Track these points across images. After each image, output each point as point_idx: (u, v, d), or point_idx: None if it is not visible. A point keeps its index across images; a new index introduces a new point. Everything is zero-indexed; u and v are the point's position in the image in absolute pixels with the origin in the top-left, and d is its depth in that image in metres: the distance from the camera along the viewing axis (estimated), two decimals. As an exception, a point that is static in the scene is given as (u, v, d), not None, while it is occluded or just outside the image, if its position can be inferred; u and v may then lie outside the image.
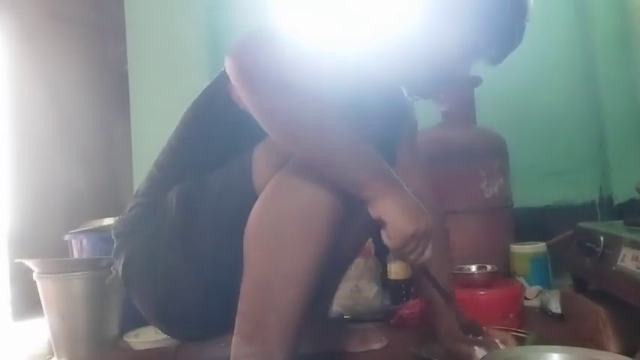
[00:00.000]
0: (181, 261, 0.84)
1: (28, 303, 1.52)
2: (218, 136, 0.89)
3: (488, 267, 1.34)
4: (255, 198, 0.79)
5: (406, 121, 1.13)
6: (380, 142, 0.77)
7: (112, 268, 1.33)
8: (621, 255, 0.91)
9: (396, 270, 1.54)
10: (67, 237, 1.62)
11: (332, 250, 0.80)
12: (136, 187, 2.00)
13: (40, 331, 1.44)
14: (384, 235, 0.76)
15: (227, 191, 0.83)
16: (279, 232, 0.76)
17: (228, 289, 0.79)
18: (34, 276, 1.35)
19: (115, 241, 0.95)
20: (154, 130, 1.95)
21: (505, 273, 1.55)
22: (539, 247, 1.58)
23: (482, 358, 0.79)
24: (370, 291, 1.47)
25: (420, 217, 0.76)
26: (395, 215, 0.74)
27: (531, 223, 1.78)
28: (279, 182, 0.77)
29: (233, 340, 0.79)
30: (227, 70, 0.71)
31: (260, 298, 0.77)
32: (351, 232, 0.87)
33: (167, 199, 0.87)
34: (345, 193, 0.76)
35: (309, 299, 0.79)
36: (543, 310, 1.34)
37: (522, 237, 1.65)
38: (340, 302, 1.47)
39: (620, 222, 1.09)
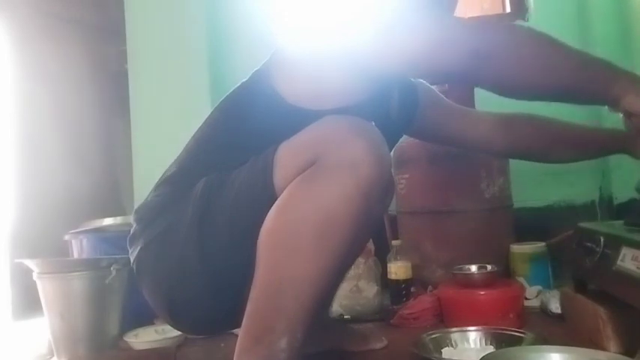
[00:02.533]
0: (195, 255, 0.84)
1: (28, 303, 1.52)
2: (257, 132, 0.88)
3: (489, 267, 1.34)
4: (274, 198, 0.78)
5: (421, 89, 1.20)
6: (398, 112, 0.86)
7: (111, 268, 1.33)
8: (621, 255, 0.91)
9: (396, 270, 1.54)
10: (67, 237, 1.62)
11: (345, 259, 0.80)
12: (136, 187, 2.02)
13: (40, 331, 1.43)
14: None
15: (246, 190, 0.82)
16: (294, 239, 0.75)
17: (238, 286, 0.79)
18: (34, 276, 1.35)
19: (134, 224, 0.95)
20: (154, 130, 1.97)
21: (505, 273, 1.55)
22: (539, 247, 1.58)
23: (482, 358, 0.79)
24: (370, 291, 1.47)
25: None
26: None
27: (531, 223, 1.78)
28: (297, 188, 0.77)
29: (239, 339, 0.79)
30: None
31: (270, 303, 0.76)
32: (362, 239, 0.87)
33: (193, 191, 0.86)
34: (364, 201, 0.76)
35: (320, 306, 0.79)
36: (543, 310, 1.34)
37: (522, 237, 1.65)
38: (340, 302, 1.47)
39: (620, 222, 1.09)
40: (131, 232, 0.95)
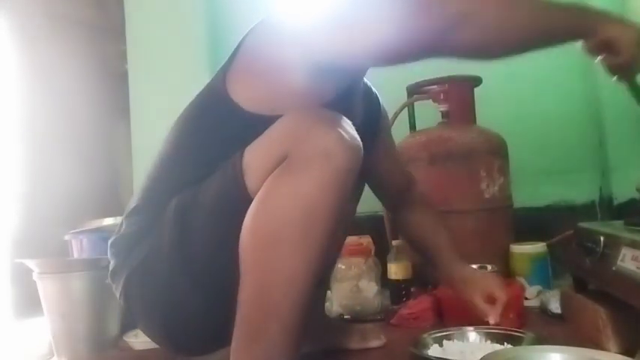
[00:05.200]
0: (182, 276, 0.83)
1: (28, 303, 1.52)
2: (218, 144, 0.86)
3: (489, 267, 1.34)
4: (250, 201, 0.77)
5: (383, 120, 1.20)
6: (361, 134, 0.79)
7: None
8: (621, 255, 0.91)
9: (396, 270, 1.54)
10: (67, 237, 1.62)
11: (329, 250, 0.80)
12: (136, 188, 2.01)
13: (40, 330, 1.43)
14: (609, 58, 0.84)
15: (220, 201, 0.81)
16: (275, 237, 0.74)
17: (230, 299, 0.77)
18: (34, 276, 1.35)
19: (111, 260, 0.93)
20: (153, 130, 1.96)
21: (505, 273, 1.55)
22: (539, 247, 1.58)
23: (482, 358, 0.79)
24: (370, 291, 1.47)
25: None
26: (621, 28, 0.82)
27: (531, 223, 1.78)
28: (273, 184, 0.76)
29: (233, 340, 0.78)
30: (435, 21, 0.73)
31: (260, 304, 0.76)
32: (342, 227, 0.87)
33: (166, 213, 0.85)
34: (341, 190, 0.75)
35: (310, 300, 0.78)
36: (543, 310, 1.34)
37: (522, 237, 1.65)
38: (340, 302, 1.47)
39: (620, 222, 1.09)
40: (111, 267, 0.93)
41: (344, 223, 0.85)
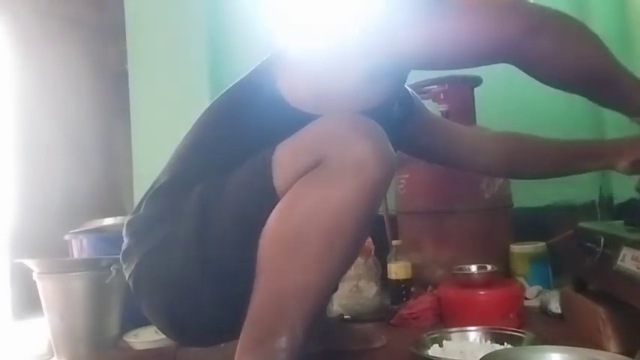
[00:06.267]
0: (196, 266, 0.81)
1: (28, 303, 1.52)
2: (255, 134, 0.85)
3: (489, 267, 1.34)
4: (275, 202, 0.76)
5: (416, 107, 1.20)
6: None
7: (111, 268, 1.33)
8: (621, 255, 0.91)
9: (396, 270, 1.54)
10: (67, 237, 1.62)
11: (348, 262, 0.79)
12: (136, 187, 2.01)
13: (40, 330, 1.43)
14: None
15: (244, 195, 0.80)
16: (299, 244, 0.73)
17: (243, 294, 0.77)
18: (34, 276, 1.35)
19: (126, 239, 0.91)
20: (153, 130, 1.97)
21: (505, 273, 1.55)
22: (539, 247, 1.58)
23: (482, 358, 0.79)
24: (370, 291, 1.47)
25: None
26: None
27: (531, 223, 1.77)
28: (302, 190, 0.74)
29: (240, 341, 0.78)
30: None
31: (273, 308, 0.75)
32: (363, 241, 0.86)
33: (189, 200, 0.83)
34: (370, 203, 0.74)
35: (322, 309, 0.78)
36: (543, 310, 1.34)
37: (522, 237, 1.65)
38: (340, 302, 1.47)
39: (620, 222, 1.09)
40: (124, 246, 0.91)
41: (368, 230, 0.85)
